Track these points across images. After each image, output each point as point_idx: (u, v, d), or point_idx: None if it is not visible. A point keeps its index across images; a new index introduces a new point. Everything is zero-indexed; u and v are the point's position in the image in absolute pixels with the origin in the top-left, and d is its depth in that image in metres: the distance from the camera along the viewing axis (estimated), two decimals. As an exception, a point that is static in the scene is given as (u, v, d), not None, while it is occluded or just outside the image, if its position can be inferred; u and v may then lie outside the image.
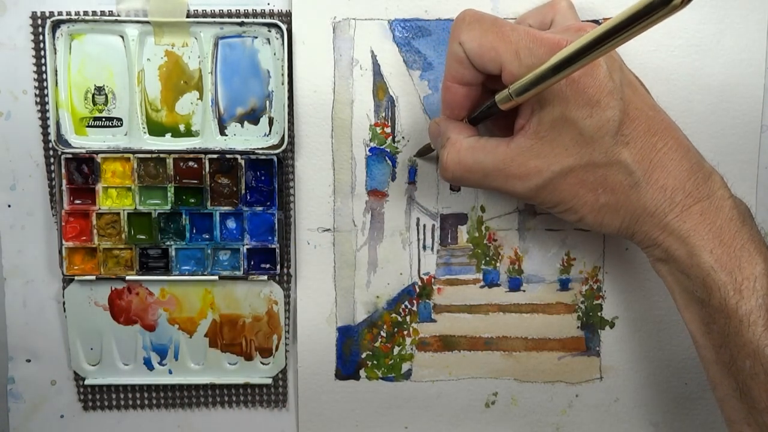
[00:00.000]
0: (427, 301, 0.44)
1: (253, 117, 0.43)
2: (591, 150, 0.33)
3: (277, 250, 0.43)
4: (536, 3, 0.41)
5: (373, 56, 0.42)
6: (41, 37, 0.42)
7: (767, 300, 0.32)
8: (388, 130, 0.43)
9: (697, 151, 0.35)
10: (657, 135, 0.34)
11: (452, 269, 0.44)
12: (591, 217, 0.35)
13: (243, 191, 0.43)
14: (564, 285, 0.44)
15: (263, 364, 0.45)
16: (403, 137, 0.43)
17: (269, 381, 0.45)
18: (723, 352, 0.33)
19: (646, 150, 0.33)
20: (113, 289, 0.44)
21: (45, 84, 0.42)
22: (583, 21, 0.39)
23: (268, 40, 0.42)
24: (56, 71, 0.41)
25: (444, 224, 0.44)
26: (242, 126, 0.43)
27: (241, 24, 0.41)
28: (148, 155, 0.42)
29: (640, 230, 0.35)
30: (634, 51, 0.42)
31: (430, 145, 0.41)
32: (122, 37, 0.41)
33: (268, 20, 0.41)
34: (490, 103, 0.35)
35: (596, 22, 0.41)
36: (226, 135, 0.43)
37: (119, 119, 0.42)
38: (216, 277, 0.44)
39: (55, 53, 0.41)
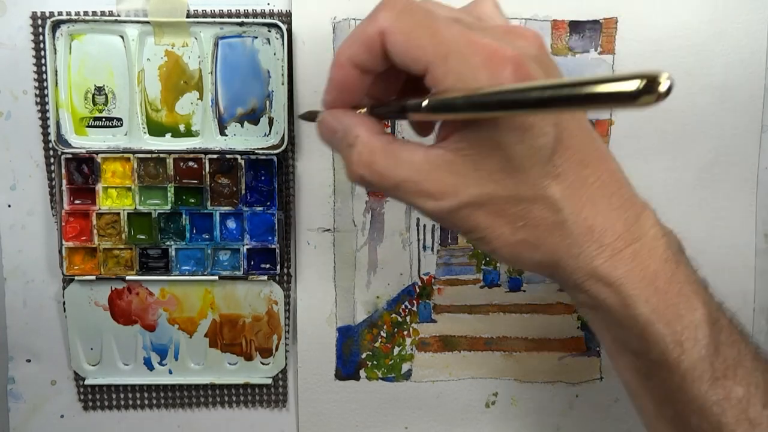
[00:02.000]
0: (427, 301, 0.44)
1: (253, 117, 0.43)
2: (517, 180, 0.28)
3: (277, 250, 0.43)
4: (536, 3, 0.41)
5: (373, 56, 0.42)
6: (41, 37, 0.42)
7: (710, 350, 0.29)
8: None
9: (629, 183, 0.31)
10: (589, 167, 0.29)
11: (452, 269, 0.44)
12: (505, 251, 0.30)
13: (243, 191, 0.43)
14: (564, 285, 0.44)
15: (263, 364, 0.45)
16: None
17: (269, 381, 0.45)
18: (665, 406, 0.30)
19: (576, 185, 0.29)
20: (113, 289, 0.44)
21: (45, 84, 0.42)
22: (513, 20, 0.34)
23: (268, 40, 0.42)
24: (56, 71, 0.41)
25: (444, 224, 0.44)
26: (242, 126, 0.43)
27: (241, 24, 0.41)
28: (148, 155, 0.42)
29: (562, 272, 0.30)
30: (633, 51, 0.42)
31: (316, 113, 0.35)
32: (122, 37, 0.41)
33: (268, 20, 0.41)
34: (397, 108, 0.30)
35: (596, 22, 0.41)
36: (226, 135, 0.43)
37: (119, 119, 0.42)
38: (216, 277, 0.44)
39: (55, 53, 0.41)
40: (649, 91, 0.21)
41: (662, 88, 0.21)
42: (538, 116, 0.27)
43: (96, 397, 0.46)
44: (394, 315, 0.45)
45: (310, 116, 0.36)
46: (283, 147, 0.42)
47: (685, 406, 0.29)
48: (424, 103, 0.28)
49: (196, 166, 0.43)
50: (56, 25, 0.41)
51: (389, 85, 0.32)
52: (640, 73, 0.21)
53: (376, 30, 0.28)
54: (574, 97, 0.22)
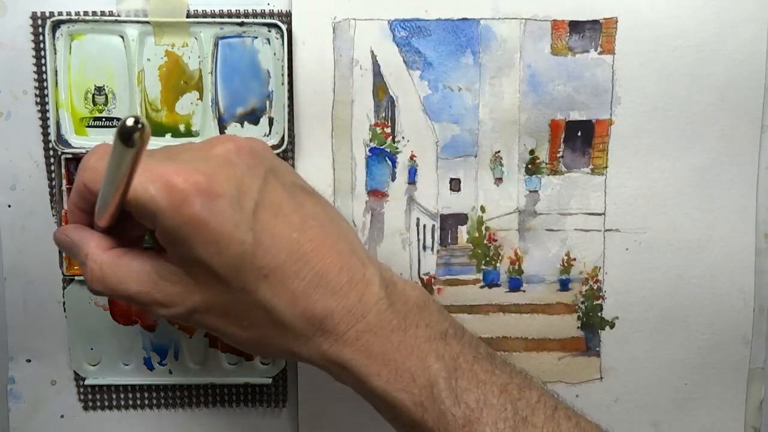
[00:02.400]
0: (427, 301, 0.44)
1: (253, 117, 0.43)
2: (227, 287, 0.30)
3: (277, 250, 0.43)
4: (536, 3, 0.41)
5: (373, 56, 0.42)
6: (41, 38, 0.42)
7: (450, 402, 0.31)
8: (388, 130, 0.43)
9: (354, 251, 0.33)
10: (302, 259, 0.30)
11: (452, 269, 0.44)
12: (246, 347, 0.33)
13: (243, 191, 0.43)
14: (564, 285, 0.44)
15: (263, 364, 0.45)
16: (403, 137, 0.43)
17: (269, 381, 0.45)
18: None
19: (288, 280, 0.30)
20: (113, 289, 0.44)
21: (45, 84, 0.42)
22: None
23: (268, 40, 0.42)
24: (56, 71, 0.41)
25: (444, 224, 0.44)
26: (242, 126, 0.43)
27: (241, 24, 0.41)
28: (148, 155, 0.42)
29: (301, 358, 0.32)
30: (633, 51, 0.42)
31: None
32: (122, 37, 0.41)
33: (268, 20, 0.41)
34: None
35: (596, 22, 0.41)
36: (226, 135, 0.43)
37: (119, 119, 0.42)
38: (216, 277, 0.44)
39: (55, 53, 0.41)
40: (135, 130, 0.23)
41: (129, 122, 0.23)
42: (228, 227, 0.29)
43: (96, 397, 0.46)
44: (394, 315, 0.44)
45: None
46: (283, 147, 0.42)
47: None
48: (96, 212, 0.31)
49: (196, 166, 0.42)
50: (56, 25, 0.41)
51: None
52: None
53: (81, 184, 0.32)
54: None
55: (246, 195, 0.30)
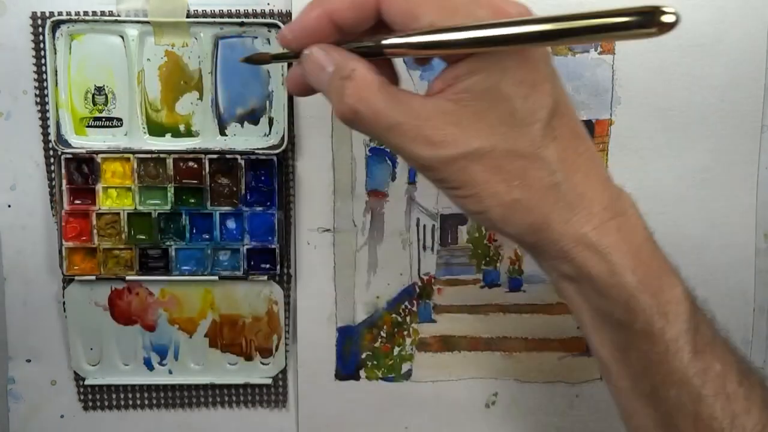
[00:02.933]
0: (428, 301, 0.44)
1: (253, 117, 0.43)
2: (518, 135, 0.28)
3: (277, 251, 0.43)
4: (536, 3, 0.41)
5: (373, 56, 0.42)
6: (41, 37, 0.42)
7: (691, 324, 0.29)
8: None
9: (605, 168, 0.32)
10: (579, 138, 0.30)
11: (452, 269, 0.44)
12: (497, 212, 0.29)
13: (243, 191, 0.43)
14: (564, 285, 0.44)
15: (263, 364, 0.45)
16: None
17: (269, 381, 0.45)
18: (642, 380, 0.30)
19: (570, 151, 0.29)
20: (113, 289, 0.44)
21: (45, 84, 0.42)
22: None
23: (268, 40, 0.42)
24: (56, 71, 0.41)
25: (444, 224, 0.44)
26: (242, 126, 0.43)
27: (241, 24, 0.41)
28: (148, 155, 0.42)
29: (548, 238, 0.29)
30: (633, 51, 0.42)
31: (266, 55, 0.35)
32: (122, 37, 0.41)
33: (268, 20, 0.41)
34: (374, 44, 0.29)
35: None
36: (226, 135, 0.43)
37: (119, 119, 0.42)
38: (216, 277, 0.44)
39: (55, 53, 0.41)
40: (652, 23, 0.22)
41: (666, 19, 0.22)
42: (543, 75, 0.28)
43: (96, 397, 0.46)
44: (394, 315, 0.45)
45: (259, 59, 0.35)
46: (283, 147, 0.42)
47: (665, 378, 0.29)
48: (414, 38, 0.27)
49: (196, 166, 0.42)
50: (56, 25, 0.41)
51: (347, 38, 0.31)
52: (644, 7, 0.22)
53: None
54: (583, 28, 0.24)
55: (549, 55, 0.29)
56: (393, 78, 0.32)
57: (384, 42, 0.28)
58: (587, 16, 0.23)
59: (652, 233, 0.31)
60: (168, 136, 0.43)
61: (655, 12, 0.22)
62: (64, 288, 0.44)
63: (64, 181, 0.42)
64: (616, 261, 0.29)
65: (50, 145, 0.42)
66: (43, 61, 0.42)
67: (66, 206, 0.42)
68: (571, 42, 0.25)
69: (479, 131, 0.28)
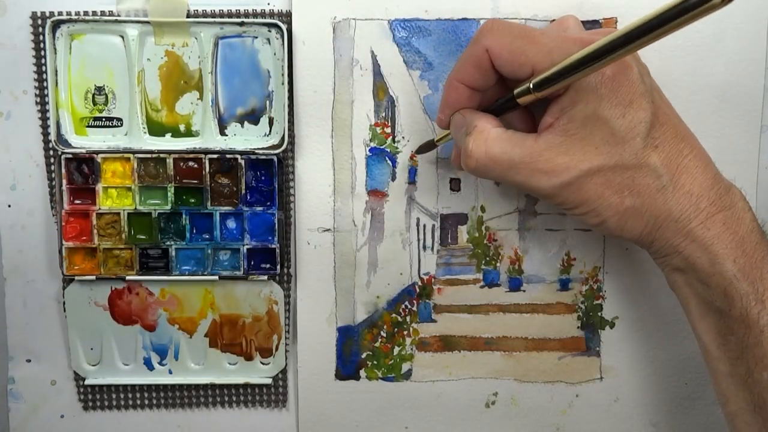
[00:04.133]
0: (427, 301, 0.44)
1: (253, 117, 0.43)
2: (621, 150, 0.32)
3: (277, 250, 0.43)
4: (536, 3, 0.41)
5: (373, 56, 0.42)
6: (41, 37, 0.42)
7: None
8: (388, 130, 0.43)
9: (714, 163, 0.35)
10: (683, 141, 0.33)
11: (452, 269, 0.44)
12: (614, 221, 0.34)
13: (243, 191, 0.43)
14: (564, 285, 0.44)
15: (263, 364, 0.45)
16: (403, 137, 0.43)
17: (269, 381, 0.45)
18: (739, 364, 0.33)
19: (674, 155, 0.33)
20: (113, 289, 0.44)
21: (45, 84, 0.42)
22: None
23: (268, 40, 0.42)
24: (56, 71, 0.41)
25: (444, 224, 0.44)
26: (242, 126, 0.43)
27: (241, 24, 0.41)
28: (148, 155, 0.42)
29: (661, 236, 0.34)
30: (634, 51, 0.41)
31: (431, 141, 0.41)
32: (122, 37, 0.41)
33: (268, 20, 0.41)
34: (508, 96, 0.35)
35: (596, 22, 0.41)
36: (226, 135, 0.43)
37: (119, 119, 0.42)
38: (216, 277, 0.44)
39: (55, 53, 0.41)
40: None
41: None
42: (637, 93, 0.32)
43: (96, 397, 0.46)
44: (394, 315, 0.45)
45: (427, 147, 0.42)
46: (283, 147, 0.42)
47: (759, 361, 0.32)
48: (533, 81, 0.32)
49: (196, 166, 0.43)
50: (56, 25, 0.41)
51: (489, 103, 0.37)
52: None
53: (482, 49, 0.34)
54: (650, 23, 0.26)
55: (644, 74, 0.33)
56: (529, 123, 0.37)
57: (515, 92, 0.34)
58: (657, 12, 0.26)
59: (761, 225, 0.34)
60: (168, 136, 0.43)
61: None
62: (64, 288, 0.44)
63: (64, 181, 0.42)
64: (717, 251, 0.33)
65: (50, 145, 0.43)
66: (43, 61, 0.42)
67: (66, 206, 0.42)
68: (651, 40, 0.28)
69: (586, 154, 0.33)
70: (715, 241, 0.33)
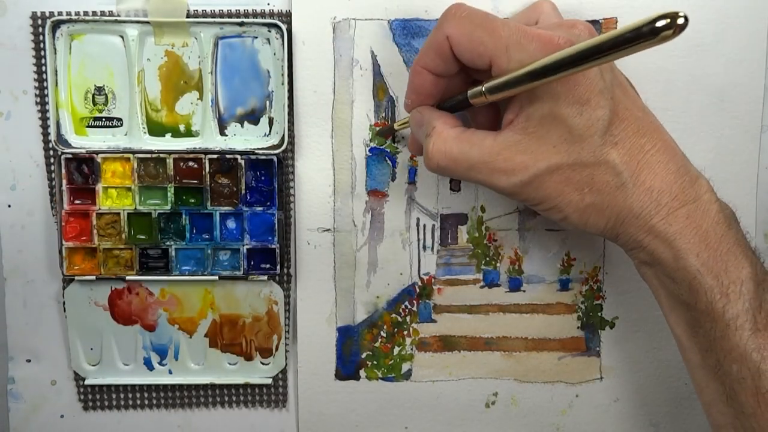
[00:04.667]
0: (427, 301, 0.44)
1: (253, 117, 0.43)
2: (579, 149, 0.32)
3: (277, 250, 0.43)
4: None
5: (373, 56, 0.42)
6: (41, 37, 0.42)
7: (753, 304, 0.32)
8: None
9: (683, 155, 0.35)
10: (645, 137, 0.33)
11: (452, 269, 0.44)
12: (575, 217, 0.34)
13: (243, 191, 0.43)
14: (564, 285, 0.44)
15: (263, 364, 0.45)
16: (403, 137, 0.43)
17: (269, 381, 0.45)
18: (709, 356, 0.33)
19: (634, 151, 0.33)
20: (113, 289, 0.44)
21: (45, 84, 0.42)
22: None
23: (268, 40, 0.42)
24: (56, 71, 0.41)
25: (444, 224, 0.44)
26: (242, 126, 0.43)
27: (241, 24, 0.41)
28: (148, 155, 0.42)
29: (624, 232, 0.34)
30: (634, 51, 0.41)
31: (391, 126, 0.42)
32: (122, 37, 0.41)
33: (268, 20, 0.41)
34: (461, 97, 0.35)
35: (596, 22, 0.41)
36: (226, 135, 0.43)
37: (119, 119, 0.42)
38: (216, 277, 0.44)
39: (55, 53, 0.41)
40: (669, 27, 0.24)
41: (680, 21, 0.24)
42: (594, 91, 0.31)
43: (96, 397, 0.46)
44: (394, 315, 0.45)
45: (387, 131, 0.42)
46: (283, 147, 0.42)
47: (727, 354, 0.32)
48: (485, 85, 0.32)
49: (196, 166, 0.43)
50: (56, 25, 0.41)
51: (456, 89, 0.36)
52: (657, 15, 0.24)
53: (443, 35, 0.33)
54: (607, 44, 0.27)
55: (605, 70, 0.32)
56: (493, 118, 0.37)
57: (468, 94, 0.34)
58: (611, 36, 0.26)
59: (729, 216, 0.34)
60: (168, 136, 0.43)
61: (672, 17, 0.24)
62: (64, 288, 0.44)
63: (64, 181, 0.42)
64: (680, 246, 0.33)
65: (50, 145, 0.43)
66: (43, 61, 0.42)
67: (66, 206, 0.42)
68: (602, 61, 0.28)
69: (544, 153, 0.32)
70: (678, 236, 0.33)
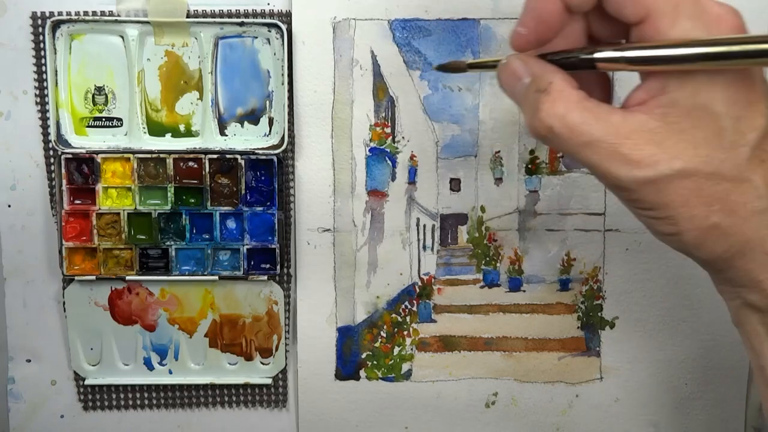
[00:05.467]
0: (427, 301, 0.44)
1: (253, 117, 0.43)
2: (723, 157, 0.26)
3: (277, 250, 0.43)
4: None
5: (373, 56, 0.42)
6: (41, 37, 0.42)
7: None
8: (388, 130, 0.43)
9: None
10: None
11: (452, 269, 0.44)
12: (691, 236, 0.27)
13: (243, 191, 0.43)
14: (564, 285, 0.44)
15: (263, 364, 0.45)
16: (403, 137, 0.43)
17: (269, 381, 0.45)
18: None
19: None
20: (113, 289, 0.44)
21: (45, 84, 0.42)
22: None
23: (268, 40, 0.42)
24: (56, 71, 0.41)
25: (444, 224, 0.44)
26: (242, 126, 0.43)
27: (241, 24, 0.41)
28: (148, 155, 0.42)
29: (742, 267, 0.28)
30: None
31: (462, 63, 0.33)
32: (122, 37, 0.41)
33: (268, 20, 0.41)
34: (584, 54, 0.27)
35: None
36: (226, 135, 0.43)
37: (119, 119, 0.42)
38: (216, 277, 0.44)
39: (55, 53, 0.41)
40: None
41: None
42: (758, 95, 0.26)
43: (96, 397, 0.46)
44: (394, 315, 0.45)
45: (455, 66, 0.33)
46: (283, 147, 0.42)
47: None
48: (628, 53, 0.26)
49: (196, 166, 0.43)
50: (56, 25, 0.41)
51: (573, 40, 0.29)
52: None
53: None
54: None
55: (765, 78, 0.27)
56: (605, 90, 0.30)
57: (597, 55, 0.27)
58: None
59: None
60: (168, 136, 0.43)
61: None
62: (64, 288, 0.44)
63: (64, 181, 0.42)
64: None
65: (50, 145, 0.43)
66: (43, 61, 0.42)
67: (66, 206, 0.42)
68: None
69: (682, 151, 0.26)
70: None
